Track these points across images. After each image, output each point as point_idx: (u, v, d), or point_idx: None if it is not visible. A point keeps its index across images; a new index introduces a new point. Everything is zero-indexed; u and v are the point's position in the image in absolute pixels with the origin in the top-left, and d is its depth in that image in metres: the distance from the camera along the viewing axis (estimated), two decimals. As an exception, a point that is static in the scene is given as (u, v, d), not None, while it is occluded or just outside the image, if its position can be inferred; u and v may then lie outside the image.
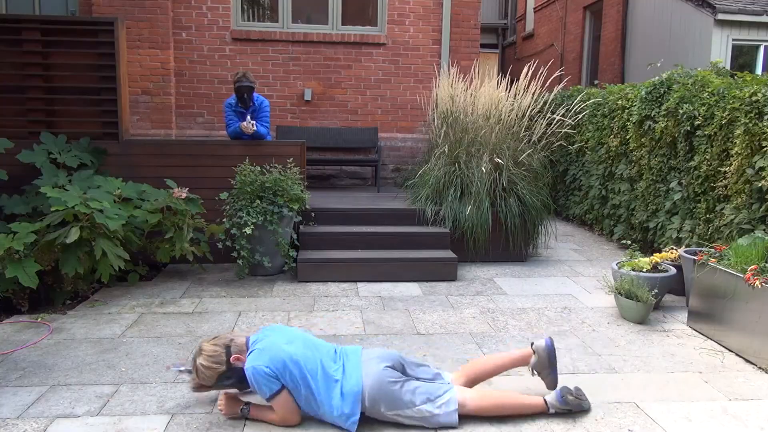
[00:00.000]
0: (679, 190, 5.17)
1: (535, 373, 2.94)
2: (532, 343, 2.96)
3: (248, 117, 5.46)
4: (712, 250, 4.04)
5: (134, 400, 2.86)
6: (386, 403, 2.61)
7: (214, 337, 2.70)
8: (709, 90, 4.87)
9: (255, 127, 5.36)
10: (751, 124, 4.22)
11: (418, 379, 2.74)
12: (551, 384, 2.89)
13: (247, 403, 2.68)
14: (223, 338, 2.68)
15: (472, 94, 5.91)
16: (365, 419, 2.64)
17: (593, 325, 4.03)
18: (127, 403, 2.83)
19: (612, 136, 6.36)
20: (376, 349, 2.82)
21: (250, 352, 2.63)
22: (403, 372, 2.74)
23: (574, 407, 2.77)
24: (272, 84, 7.45)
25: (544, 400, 2.79)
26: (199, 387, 2.70)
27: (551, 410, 2.77)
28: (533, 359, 2.93)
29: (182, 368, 2.82)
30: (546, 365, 2.89)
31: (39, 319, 3.94)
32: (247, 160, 5.20)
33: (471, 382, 2.89)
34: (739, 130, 4.35)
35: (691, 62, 8.77)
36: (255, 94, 5.66)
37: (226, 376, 2.61)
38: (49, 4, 7.22)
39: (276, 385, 2.56)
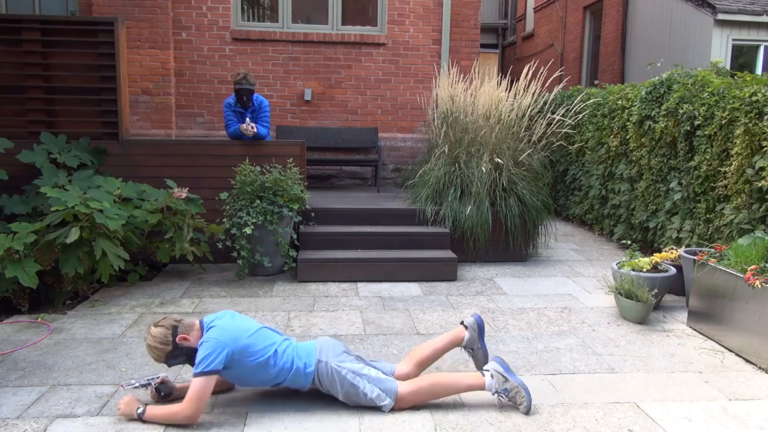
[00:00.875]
0: (679, 190, 5.17)
1: (468, 351, 3.09)
2: (462, 321, 3.12)
3: (247, 119, 5.45)
4: (712, 250, 4.04)
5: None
6: (334, 354, 2.82)
7: (163, 319, 2.78)
8: (709, 90, 4.87)
9: (255, 129, 5.36)
10: (751, 124, 4.22)
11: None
12: (482, 359, 3.06)
13: (145, 404, 2.70)
14: (170, 320, 2.78)
15: (472, 94, 5.91)
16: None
17: (593, 325, 4.03)
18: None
19: (612, 136, 6.36)
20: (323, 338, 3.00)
21: (210, 328, 2.73)
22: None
23: (512, 394, 2.82)
24: (272, 84, 7.45)
25: (482, 373, 2.87)
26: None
27: (489, 388, 2.83)
28: (466, 335, 3.07)
29: (136, 384, 2.81)
30: (476, 339, 3.06)
31: (39, 319, 3.94)
32: (247, 160, 5.20)
33: (419, 368, 3.00)
34: (739, 130, 4.35)
35: (691, 62, 8.77)
36: (254, 95, 5.66)
37: (174, 354, 2.73)
38: (49, 4, 7.21)
39: (216, 366, 2.63)
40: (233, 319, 2.81)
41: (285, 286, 4.82)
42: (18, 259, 3.86)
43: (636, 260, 4.42)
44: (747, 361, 3.47)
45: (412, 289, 4.81)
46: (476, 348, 3.06)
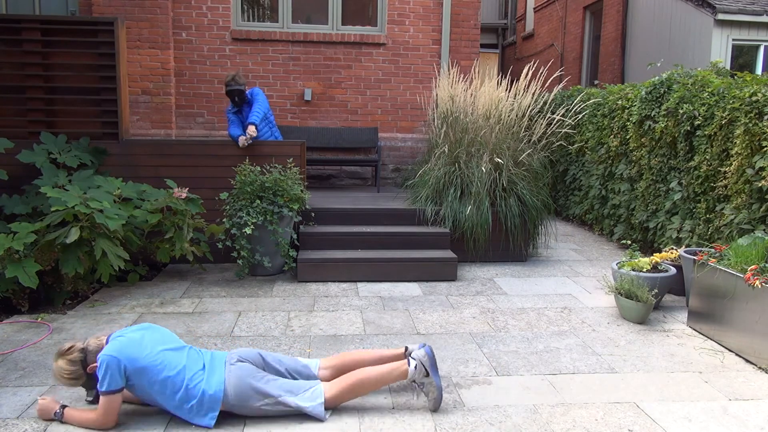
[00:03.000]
0: (679, 190, 5.17)
1: (419, 386, 2.91)
2: (407, 349, 3.00)
3: (241, 138, 5.33)
4: (712, 250, 4.04)
5: (133, 407, 2.85)
6: (250, 396, 2.67)
7: (69, 349, 2.64)
8: (709, 90, 4.87)
9: (250, 141, 5.30)
10: (751, 124, 4.22)
11: (281, 375, 2.82)
12: (437, 396, 2.80)
13: (62, 407, 2.67)
14: (77, 350, 2.64)
15: (472, 94, 5.91)
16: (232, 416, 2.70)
17: (593, 325, 4.03)
18: (128, 409, 2.82)
19: (612, 136, 6.36)
20: (237, 349, 2.87)
21: (112, 341, 2.64)
22: (264, 367, 2.81)
23: (425, 390, 2.82)
24: (272, 84, 7.44)
25: (408, 361, 2.84)
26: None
27: (410, 376, 2.81)
28: (410, 371, 2.84)
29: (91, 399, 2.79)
30: (424, 373, 2.84)
31: (39, 319, 3.94)
32: (247, 160, 5.20)
33: (339, 373, 2.92)
34: (739, 130, 4.35)
35: (691, 62, 8.77)
36: (247, 90, 5.65)
37: (90, 383, 2.66)
38: (49, 4, 7.21)
39: (117, 384, 2.56)
40: (143, 334, 2.69)
41: (285, 286, 4.82)
42: (18, 259, 3.86)
43: (636, 260, 4.42)
44: (747, 361, 3.47)
45: (412, 289, 4.81)
46: (427, 383, 2.83)
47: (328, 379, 2.88)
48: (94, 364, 2.60)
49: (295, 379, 2.85)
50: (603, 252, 6.19)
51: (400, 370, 2.82)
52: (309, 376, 2.88)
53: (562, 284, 5.01)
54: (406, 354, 2.97)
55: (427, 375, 2.82)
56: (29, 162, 4.72)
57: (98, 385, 2.56)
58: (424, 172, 5.88)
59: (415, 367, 2.82)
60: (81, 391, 2.90)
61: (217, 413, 2.65)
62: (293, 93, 7.52)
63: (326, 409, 2.73)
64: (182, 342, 2.82)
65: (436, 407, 2.81)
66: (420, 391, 2.89)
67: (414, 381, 2.84)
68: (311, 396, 2.72)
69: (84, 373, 2.63)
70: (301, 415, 2.72)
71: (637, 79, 10.15)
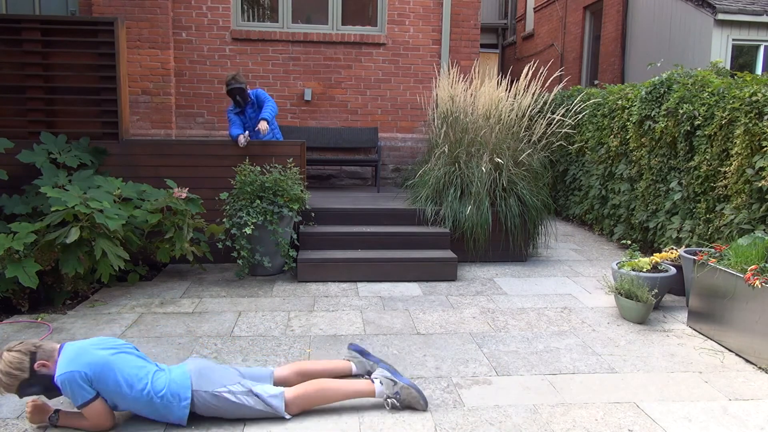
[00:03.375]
0: (679, 190, 5.17)
1: (366, 377, 3.00)
2: (345, 357, 3.13)
3: (242, 136, 5.33)
4: (712, 250, 4.04)
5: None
6: (213, 379, 2.67)
7: (19, 343, 2.57)
8: (709, 90, 4.87)
9: (249, 139, 5.29)
10: (751, 124, 4.22)
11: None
12: (420, 397, 2.85)
13: (56, 411, 2.61)
14: (28, 344, 2.57)
15: (472, 94, 5.91)
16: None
17: (593, 325, 4.03)
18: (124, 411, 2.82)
19: (612, 136, 6.36)
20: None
21: (60, 357, 2.57)
22: None
23: (403, 396, 2.79)
24: (272, 84, 7.44)
25: (372, 380, 2.84)
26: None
27: (381, 394, 2.81)
28: (354, 367, 3.06)
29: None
30: (365, 362, 3.05)
31: (39, 319, 3.93)
32: (247, 160, 5.20)
33: (300, 377, 2.94)
34: (739, 130, 4.35)
35: (691, 62, 8.77)
36: (250, 90, 5.66)
37: (29, 383, 2.53)
38: (49, 4, 7.21)
39: (89, 393, 2.52)
40: (93, 344, 2.64)
41: (285, 286, 4.82)
42: (18, 259, 3.86)
43: (636, 260, 4.42)
44: (747, 361, 3.47)
45: (412, 289, 4.81)
46: (371, 367, 2.96)
47: (282, 380, 2.91)
48: (43, 362, 2.53)
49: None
50: (603, 252, 6.19)
51: (367, 387, 2.82)
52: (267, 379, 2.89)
53: (562, 284, 5.01)
54: (355, 371, 3.06)
55: (396, 383, 2.82)
56: (29, 162, 4.72)
57: (74, 401, 2.53)
58: (424, 172, 5.88)
59: (381, 383, 2.81)
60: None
61: (189, 401, 2.61)
62: (293, 93, 7.52)
63: (290, 413, 2.72)
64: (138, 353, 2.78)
65: (424, 404, 2.81)
66: (400, 404, 2.81)
67: (389, 397, 2.80)
68: (271, 389, 2.74)
69: (30, 368, 2.51)
70: (301, 417, 2.72)
71: (637, 79, 10.15)
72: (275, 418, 2.71)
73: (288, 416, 2.71)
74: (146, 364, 2.69)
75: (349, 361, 3.10)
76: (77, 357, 2.54)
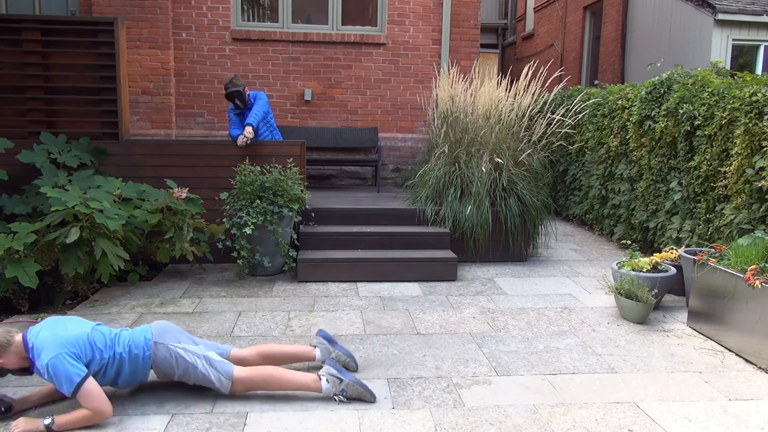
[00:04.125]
0: (679, 190, 5.17)
1: (330, 364, 3.07)
2: (310, 342, 3.23)
3: (241, 136, 5.33)
4: (712, 250, 4.04)
5: (134, 400, 2.86)
6: (173, 336, 2.83)
7: None
8: (709, 90, 4.87)
9: (248, 141, 5.29)
10: (751, 124, 4.22)
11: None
12: (350, 361, 3.17)
13: (49, 417, 2.56)
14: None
15: (472, 94, 5.91)
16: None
17: (593, 325, 4.03)
18: (127, 403, 2.83)
19: (612, 136, 6.36)
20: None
21: (34, 346, 2.58)
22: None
23: (350, 392, 2.85)
24: (272, 84, 7.44)
25: (319, 377, 2.90)
26: None
27: (327, 392, 2.87)
28: (317, 353, 3.16)
29: None
30: (329, 349, 3.17)
31: (39, 319, 3.91)
32: (247, 160, 5.20)
33: (262, 359, 3.07)
34: (739, 130, 4.35)
35: (691, 62, 8.77)
36: (251, 92, 5.66)
37: None
38: (49, 4, 7.21)
39: (81, 371, 2.57)
40: (56, 326, 2.68)
41: (285, 286, 4.82)
42: (18, 259, 3.86)
43: (636, 260, 4.42)
44: (747, 361, 3.47)
45: (412, 289, 4.81)
46: (347, 385, 2.92)
47: (240, 359, 3.02)
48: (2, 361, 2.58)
49: None
50: (603, 252, 6.19)
51: (313, 381, 2.88)
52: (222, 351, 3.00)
53: (562, 284, 5.01)
54: (319, 358, 3.15)
55: (341, 380, 2.87)
56: (29, 162, 4.72)
57: (68, 387, 2.54)
58: (424, 172, 5.88)
59: (328, 381, 2.87)
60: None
61: (150, 350, 2.77)
62: (293, 93, 7.52)
63: (234, 391, 2.84)
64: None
65: (372, 397, 2.88)
66: (347, 399, 2.86)
67: (336, 395, 2.87)
68: (224, 363, 2.86)
69: None
70: (307, 402, 2.73)
71: (637, 79, 10.15)
72: (285, 413, 2.71)
73: (227, 392, 2.81)
74: (111, 329, 2.85)
75: (314, 348, 3.18)
76: (54, 340, 2.58)
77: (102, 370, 2.71)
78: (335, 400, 2.88)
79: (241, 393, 2.88)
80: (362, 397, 2.88)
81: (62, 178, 4.63)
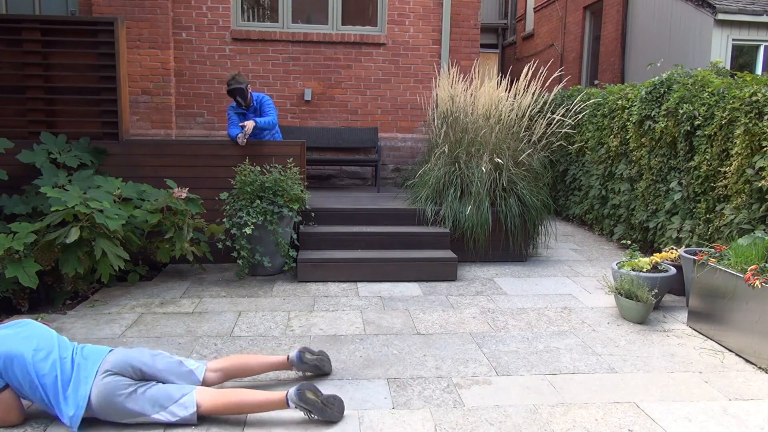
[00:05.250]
0: (679, 190, 5.17)
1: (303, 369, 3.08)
2: (288, 355, 3.07)
3: (240, 135, 5.34)
4: (712, 250, 4.04)
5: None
6: (117, 413, 2.58)
7: None
8: (709, 90, 4.87)
9: (247, 138, 5.28)
10: (751, 124, 4.22)
11: (157, 381, 2.70)
12: (325, 364, 3.10)
13: None
14: None
15: (472, 94, 5.91)
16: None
17: (593, 325, 4.03)
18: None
19: (612, 136, 6.36)
20: (116, 351, 2.74)
21: None
22: (141, 376, 2.68)
23: (314, 408, 2.63)
24: (272, 84, 7.44)
25: (286, 395, 2.66)
26: None
27: (291, 405, 2.64)
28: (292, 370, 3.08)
29: None
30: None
31: (39, 319, 3.93)
32: (247, 160, 5.20)
33: (227, 377, 2.91)
34: (739, 130, 4.35)
35: (691, 62, 8.77)
36: (254, 93, 5.65)
37: None
38: (49, 4, 7.21)
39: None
40: (9, 332, 2.63)
41: (285, 286, 4.82)
42: (18, 259, 3.86)
43: (636, 260, 4.42)
44: (747, 361, 3.47)
45: (412, 289, 4.81)
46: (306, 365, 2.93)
47: (215, 382, 2.86)
48: None
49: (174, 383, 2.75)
50: (603, 252, 6.19)
51: (281, 406, 2.68)
52: (193, 382, 2.79)
53: (562, 284, 5.01)
54: (290, 364, 3.04)
55: (310, 413, 2.68)
56: (29, 162, 4.72)
57: None
58: (424, 172, 5.88)
59: (296, 406, 2.66)
60: None
61: (81, 416, 2.56)
62: (293, 93, 7.52)
63: (201, 417, 2.65)
64: (54, 343, 2.69)
65: (333, 416, 2.70)
66: (307, 415, 2.72)
67: (297, 406, 2.68)
68: (183, 404, 2.62)
69: None
70: (301, 416, 2.73)
71: (637, 79, 10.15)
72: (278, 420, 2.71)
73: (195, 422, 2.64)
74: (60, 366, 2.63)
75: (288, 363, 3.06)
76: None
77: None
78: (309, 418, 2.70)
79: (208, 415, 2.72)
80: (321, 413, 2.68)
81: (62, 178, 4.63)
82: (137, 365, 2.68)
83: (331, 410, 2.67)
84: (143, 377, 2.69)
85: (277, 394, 2.68)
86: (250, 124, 5.26)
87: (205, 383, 2.83)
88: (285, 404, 2.65)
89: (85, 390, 2.59)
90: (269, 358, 3.05)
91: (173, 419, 2.61)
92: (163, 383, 2.71)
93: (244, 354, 3.32)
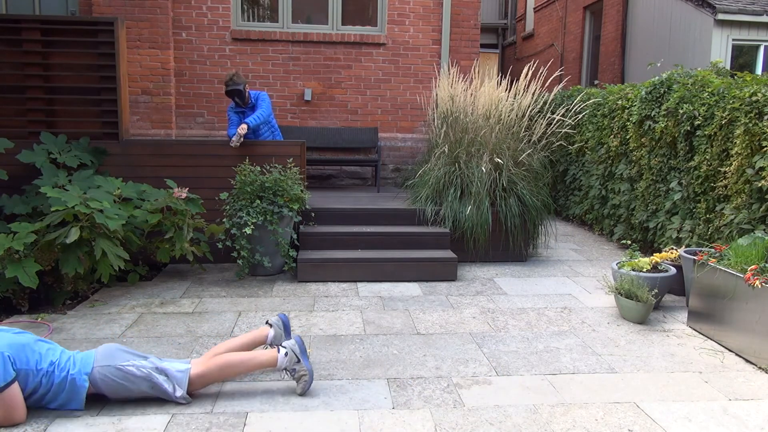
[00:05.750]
0: (679, 190, 5.17)
1: (274, 345, 3.14)
2: (267, 320, 3.23)
3: (237, 135, 5.33)
4: (712, 250, 4.04)
5: (134, 400, 2.85)
6: (119, 357, 2.77)
7: None
8: (709, 90, 4.87)
9: (242, 140, 5.26)
10: (751, 124, 4.22)
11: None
12: (307, 383, 3.00)
13: None
14: None
15: (472, 94, 5.91)
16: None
17: (593, 325, 4.03)
18: (127, 403, 2.83)
19: (612, 136, 6.36)
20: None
21: None
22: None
23: (297, 375, 2.91)
24: (272, 84, 7.45)
25: (278, 349, 2.94)
26: None
27: (281, 355, 2.90)
28: (270, 333, 3.17)
29: None
30: (282, 335, 3.18)
31: (39, 319, 3.93)
32: (247, 160, 5.20)
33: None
34: (739, 130, 4.35)
35: (691, 62, 8.77)
36: (252, 91, 5.66)
37: None
38: (49, 4, 7.21)
39: (8, 374, 2.56)
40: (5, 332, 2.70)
41: (285, 286, 4.82)
42: (18, 259, 3.86)
43: (636, 260, 4.42)
44: (747, 361, 3.47)
45: (412, 289, 4.81)
46: (299, 369, 2.97)
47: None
48: None
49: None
50: (603, 252, 6.19)
51: (270, 357, 2.91)
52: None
53: (562, 284, 5.01)
54: (270, 340, 3.16)
55: (299, 361, 2.91)
56: (29, 162, 4.72)
57: None
58: (424, 172, 5.88)
59: (286, 355, 2.90)
60: None
61: (87, 375, 2.71)
62: (293, 93, 7.52)
63: (192, 390, 2.83)
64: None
65: (304, 391, 2.93)
66: (291, 378, 2.96)
67: (285, 369, 2.92)
68: (179, 364, 2.84)
69: None
70: (307, 402, 2.73)
71: (637, 79, 10.15)
72: (285, 412, 2.71)
73: (184, 401, 2.79)
74: (53, 346, 2.80)
75: (270, 327, 3.20)
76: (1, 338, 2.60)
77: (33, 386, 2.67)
78: (281, 374, 2.99)
79: (202, 388, 2.89)
80: (300, 385, 2.92)
81: (62, 178, 4.63)
82: (126, 348, 2.90)
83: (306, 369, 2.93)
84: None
85: (266, 351, 2.95)
86: (242, 129, 5.25)
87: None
88: (275, 360, 2.90)
89: (89, 355, 2.79)
90: (248, 334, 3.20)
91: (168, 366, 2.80)
92: None
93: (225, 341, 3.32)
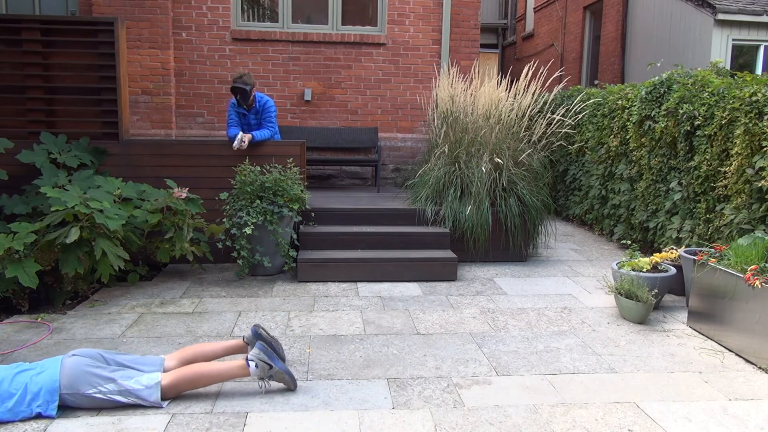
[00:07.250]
0: (679, 190, 5.17)
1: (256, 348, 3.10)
2: (243, 337, 3.18)
3: (239, 134, 5.31)
4: (712, 250, 4.04)
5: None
6: (85, 382, 2.71)
7: None
8: (709, 90, 4.87)
9: (246, 143, 5.27)
10: (751, 124, 4.22)
11: (120, 366, 2.87)
12: (290, 381, 2.98)
13: None
14: None
15: (472, 94, 5.91)
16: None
17: (593, 325, 4.03)
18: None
19: (612, 136, 6.36)
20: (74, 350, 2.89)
21: None
22: (105, 363, 2.85)
23: (276, 379, 2.90)
24: (272, 84, 7.45)
25: (247, 363, 2.89)
26: None
27: (251, 364, 2.88)
28: (250, 350, 3.11)
29: None
30: (253, 341, 3.11)
31: (39, 319, 3.93)
32: (247, 160, 5.20)
33: (182, 365, 3.00)
34: (739, 130, 4.35)
35: (691, 62, 8.77)
36: (259, 94, 5.63)
37: None
38: (49, 4, 7.21)
39: None
40: None
41: (285, 286, 4.82)
42: (18, 259, 3.85)
43: (636, 260, 4.42)
44: (747, 361, 3.47)
45: (412, 289, 4.81)
46: (275, 373, 2.94)
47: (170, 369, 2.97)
48: None
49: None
50: (603, 252, 6.19)
51: (242, 370, 2.90)
52: (156, 369, 2.92)
53: (562, 284, 5.01)
54: (246, 344, 3.13)
55: (271, 367, 2.91)
56: (29, 162, 4.72)
57: None
58: (424, 172, 5.88)
59: (256, 366, 2.89)
60: None
61: (56, 403, 2.67)
62: (293, 93, 7.52)
63: (165, 398, 2.80)
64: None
65: (294, 386, 2.96)
66: (270, 382, 2.95)
67: (262, 378, 2.91)
68: (147, 379, 2.79)
69: None
70: (307, 402, 2.73)
71: (637, 79, 10.15)
72: (285, 413, 2.71)
73: (164, 405, 2.79)
74: (18, 369, 2.74)
75: (244, 344, 3.16)
76: None
77: None
78: (259, 386, 2.95)
79: (175, 396, 2.86)
80: (287, 384, 2.95)
81: (62, 178, 4.63)
82: (101, 353, 2.87)
83: (281, 369, 2.90)
84: (106, 363, 2.85)
85: (236, 361, 2.90)
86: (248, 138, 5.24)
87: (165, 371, 2.95)
88: (245, 367, 2.88)
89: (54, 372, 2.71)
90: (224, 343, 3.18)
91: (137, 386, 2.75)
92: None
93: (198, 344, 3.29)
